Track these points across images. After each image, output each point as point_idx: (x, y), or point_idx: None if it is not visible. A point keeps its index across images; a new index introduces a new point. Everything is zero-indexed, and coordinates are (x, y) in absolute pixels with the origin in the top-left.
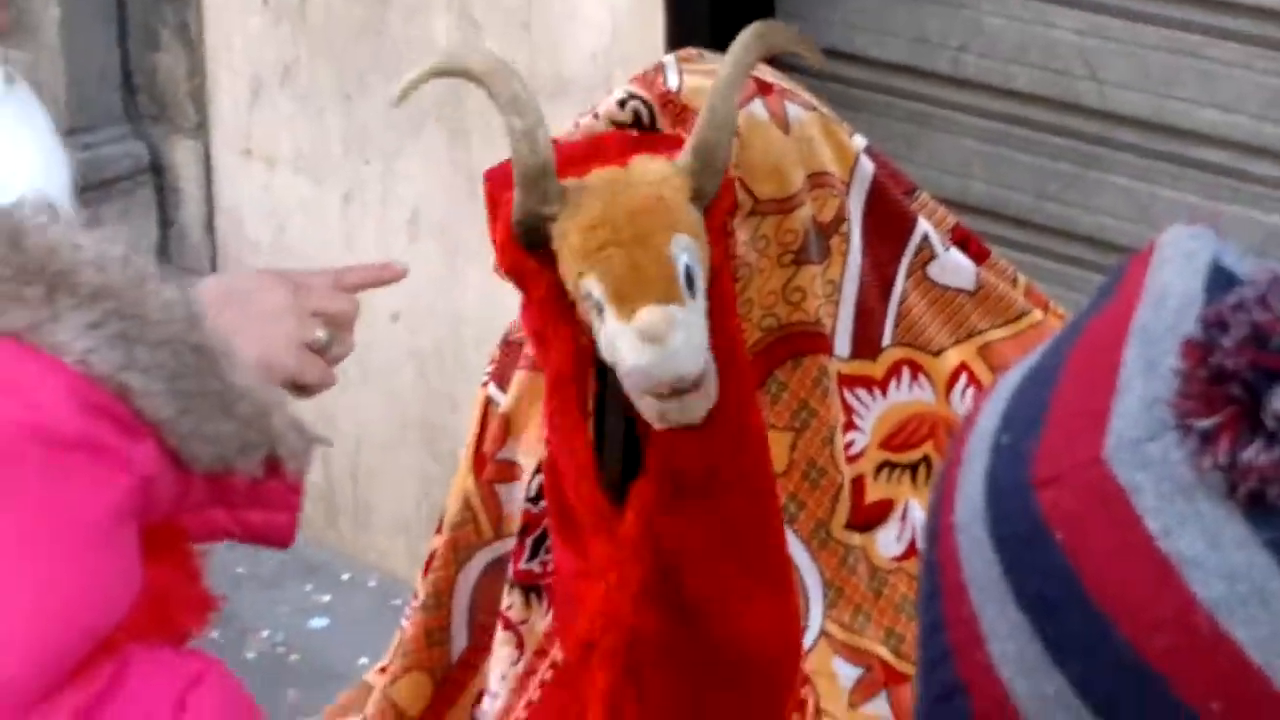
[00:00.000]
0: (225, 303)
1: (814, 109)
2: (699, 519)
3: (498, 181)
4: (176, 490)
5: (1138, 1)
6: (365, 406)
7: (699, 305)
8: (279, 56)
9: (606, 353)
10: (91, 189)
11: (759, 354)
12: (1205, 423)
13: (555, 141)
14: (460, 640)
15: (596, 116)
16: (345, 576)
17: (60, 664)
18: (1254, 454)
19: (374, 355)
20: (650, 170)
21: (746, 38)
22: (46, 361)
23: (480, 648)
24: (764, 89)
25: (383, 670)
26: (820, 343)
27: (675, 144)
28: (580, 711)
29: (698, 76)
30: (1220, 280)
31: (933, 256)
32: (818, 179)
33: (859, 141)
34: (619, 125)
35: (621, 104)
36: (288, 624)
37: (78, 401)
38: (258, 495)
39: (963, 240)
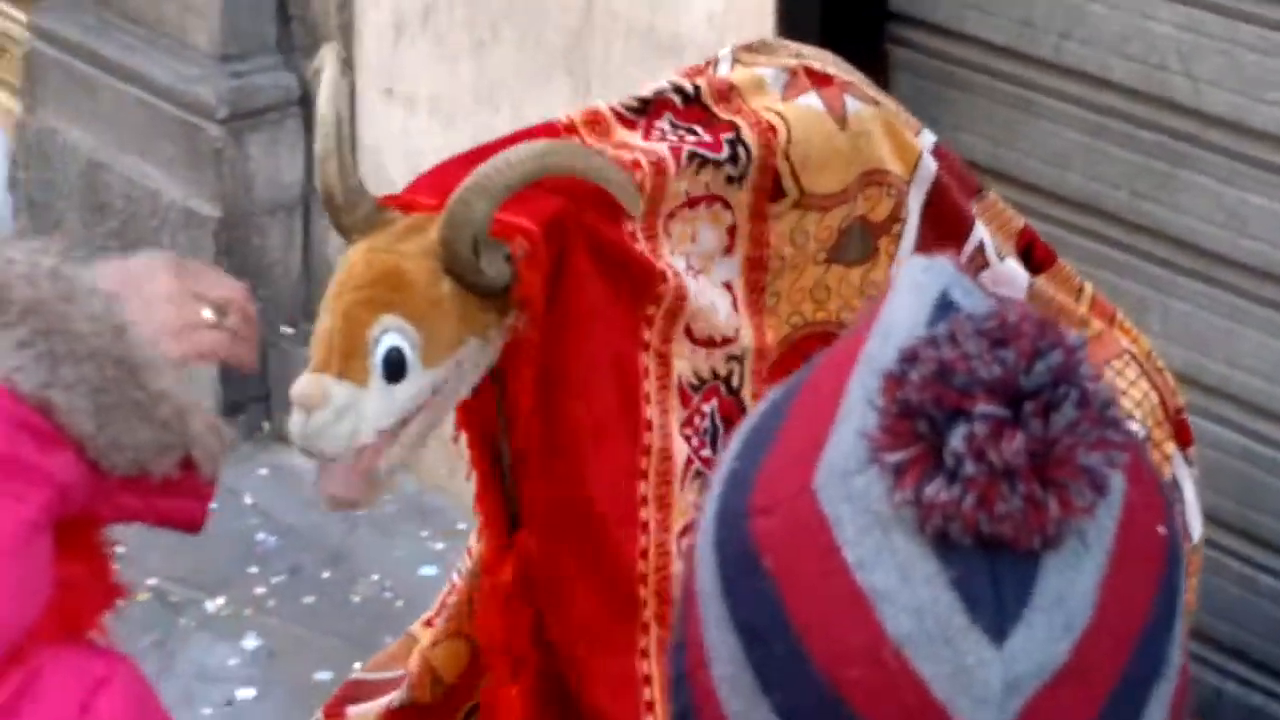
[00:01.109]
0: (123, 289)
1: (876, 104)
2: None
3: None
4: (92, 491)
5: None
6: None
7: (403, 388)
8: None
9: None
10: (240, 117)
11: (788, 348)
12: (895, 457)
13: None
14: None
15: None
16: (460, 525)
17: None
18: (935, 490)
19: None
20: (419, 239)
21: (529, 151)
22: None
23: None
24: (821, 81)
25: (428, 623)
26: None
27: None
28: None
29: (749, 69)
30: (945, 314)
31: (985, 265)
32: (872, 176)
33: (926, 139)
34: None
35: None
36: (398, 570)
37: (2, 416)
38: (170, 484)
39: (1027, 246)
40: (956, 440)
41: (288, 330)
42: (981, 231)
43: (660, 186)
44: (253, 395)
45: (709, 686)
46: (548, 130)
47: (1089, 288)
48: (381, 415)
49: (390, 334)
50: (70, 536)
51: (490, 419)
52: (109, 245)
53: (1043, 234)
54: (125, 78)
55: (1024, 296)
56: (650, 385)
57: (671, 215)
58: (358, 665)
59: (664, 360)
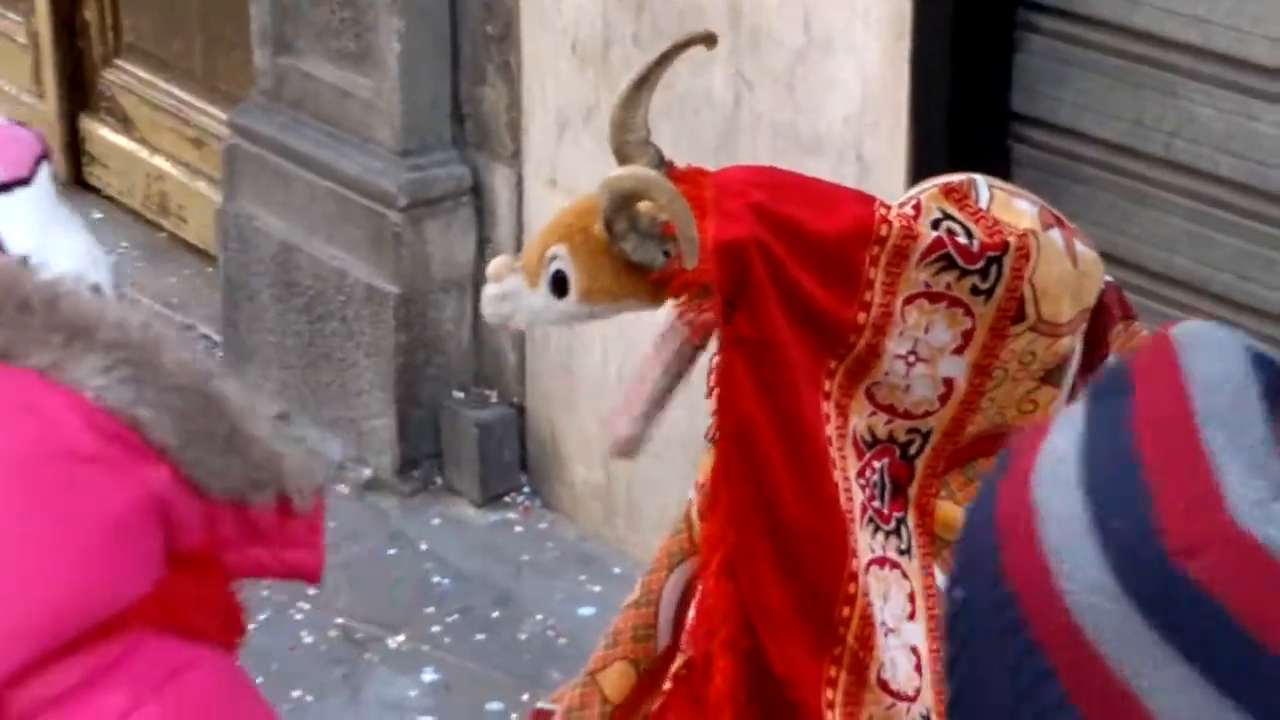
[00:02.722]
0: None
1: (1093, 249)
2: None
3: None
4: (201, 516)
5: None
6: None
7: (564, 303)
8: (583, 99)
9: None
10: (418, 205)
11: (974, 441)
12: None
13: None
14: (664, 638)
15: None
16: (616, 570)
17: (50, 639)
18: None
19: None
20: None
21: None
22: (65, 392)
23: (678, 645)
24: (1060, 223)
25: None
26: None
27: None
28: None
29: (1008, 199)
30: (1260, 364)
31: None
32: (1085, 313)
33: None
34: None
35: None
36: (560, 610)
37: (93, 426)
38: (286, 536)
39: None
40: None
41: (458, 395)
42: (1111, 360)
43: (904, 249)
44: (427, 453)
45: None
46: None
47: None
48: (538, 314)
49: (558, 260)
50: (196, 568)
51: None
52: (300, 320)
53: (1157, 319)
54: (315, 170)
55: None
56: (831, 430)
57: (910, 300)
58: (525, 697)
59: (843, 412)
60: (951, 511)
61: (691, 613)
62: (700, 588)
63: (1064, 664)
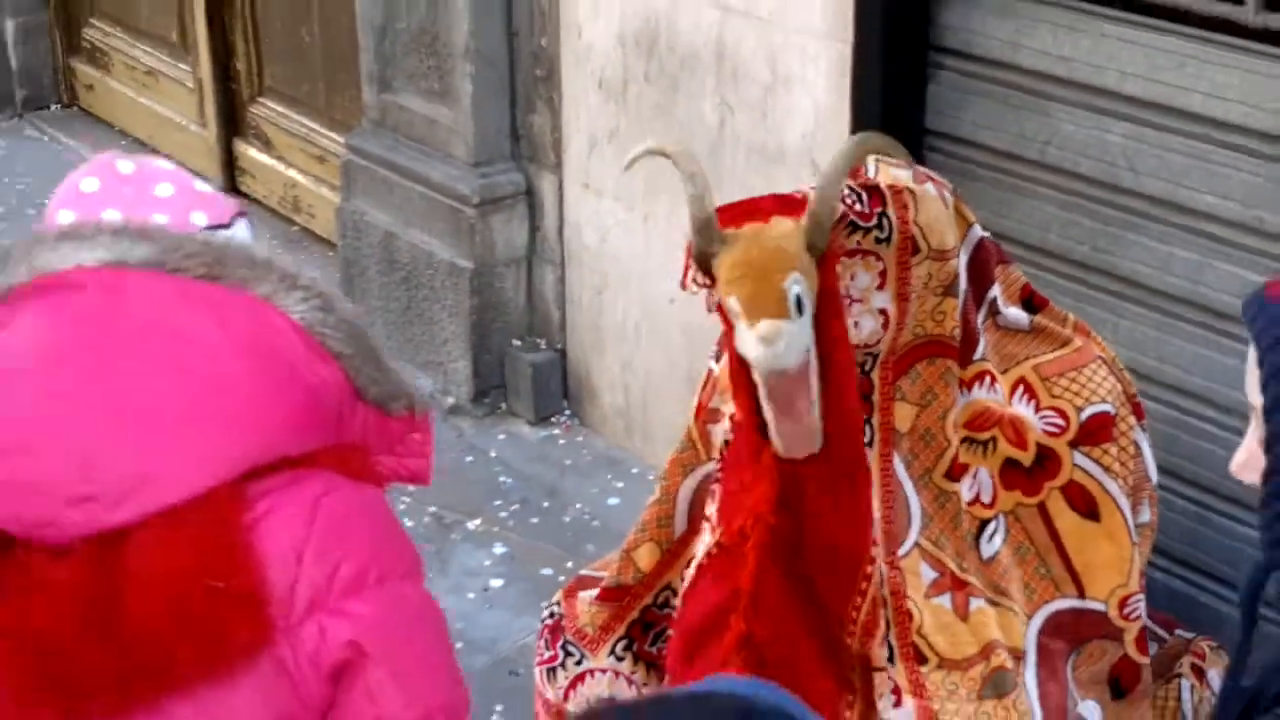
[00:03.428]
0: None
1: (958, 196)
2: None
3: (733, 211)
4: (358, 416)
5: (1161, 116)
6: (653, 360)
7: (804, 321)
8: (607, 124)
9: (740, 347)
10: (487, 204)
11: (907, 351)
12: None
13: (721, 206)
14: (681, 525)
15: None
16: (634, 470)
17: (269, 455)
18: None
19: (658, 326)
20: (780, 227)
21: (851, 144)
22: (279, 313)
23: (693, 531)
24: (932, 179)
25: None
26: (951, 351)
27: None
28: (733, 576)
29: (887, 169)
30: None
31: (997, 311)
32: (962, 241)
33: (977, 229)
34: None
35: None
36: (593, 500)
37: (296, 331)
38: (408, 446)
39: (1029, 295)
40: None
41: (516, 343)
42: (995, 290)
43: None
44: (494, 385)
45: None
46: (772, 200)
47: (1071, 316)
48: (798, 338)
49: (794, 284)
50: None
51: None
52: (399, 289)
53: (1035, 280)
54: (410, 178)
55: (1029, 327)
56: None
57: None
58: (570, 564)
59: None
60: (905, 410)
61: (712, 508)
62: (721, 489)
63: None
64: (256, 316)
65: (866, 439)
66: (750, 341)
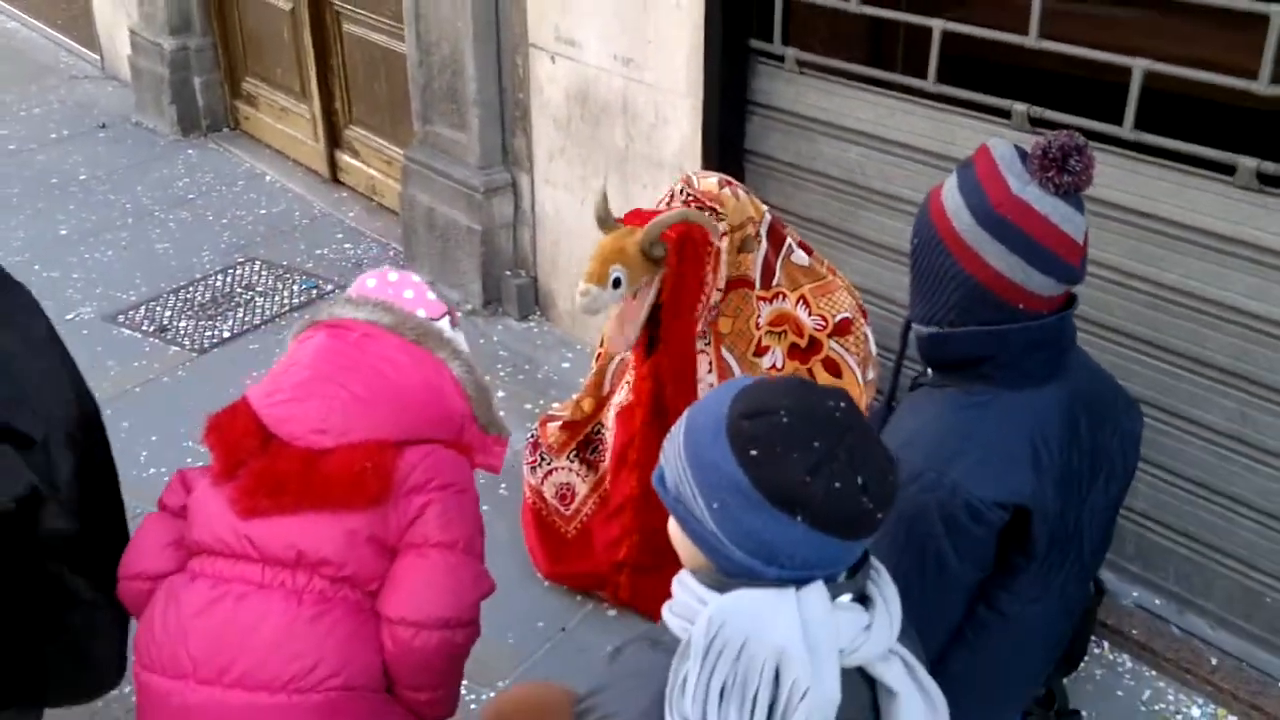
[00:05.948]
0: None
1: (749, 193)
2: (666, 365)
3: (629, 218)
4: (471, 430)
5: (881, 144)
6: None
7: (616, 292)
8: (559, 145)
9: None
10: (489, 191)
11: (727, 286)
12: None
13: (630, 211)
14: (607, 385)
15: (672, 196)
16: (579, 348)
17: (413, 434)
18: None
19: (588, 260)
20: (634, 235)
21: (673, 214)
22: (447, 368)
23: (614, 390)
24: (730, 183)
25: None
26: (749, 284)
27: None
28: (632, 416)
29: (703, 179)
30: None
31: (791, 252)
32: (748, 221)
33: (763, 205)
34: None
35: (681, 192)
36: (555, 366)
37: (454, 382)
38: (491, 451)
39: (804, 246)
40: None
41: (508, 272)
42: (790, 242)
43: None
44: (494, 298)
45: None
46: (652, 213)
47: (826, 260)
48: (610, 301)
49: (616, 271)
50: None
51: (651, 322)
52: (437, 242)
53: (807, 237)
54: (443, 175)
55: (807, 264)
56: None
57: None
58: (541, 403)
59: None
60: (725, 322)
61: (625, 380)
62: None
63: (957, 252)
64: (434, 366)
65: (706, 341)
66: (577, 292)
